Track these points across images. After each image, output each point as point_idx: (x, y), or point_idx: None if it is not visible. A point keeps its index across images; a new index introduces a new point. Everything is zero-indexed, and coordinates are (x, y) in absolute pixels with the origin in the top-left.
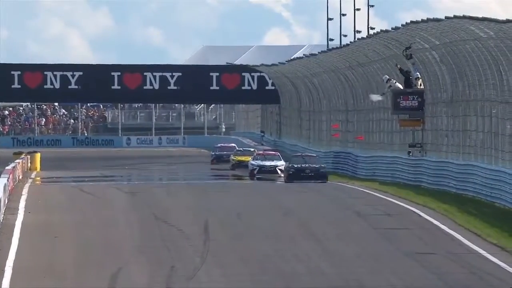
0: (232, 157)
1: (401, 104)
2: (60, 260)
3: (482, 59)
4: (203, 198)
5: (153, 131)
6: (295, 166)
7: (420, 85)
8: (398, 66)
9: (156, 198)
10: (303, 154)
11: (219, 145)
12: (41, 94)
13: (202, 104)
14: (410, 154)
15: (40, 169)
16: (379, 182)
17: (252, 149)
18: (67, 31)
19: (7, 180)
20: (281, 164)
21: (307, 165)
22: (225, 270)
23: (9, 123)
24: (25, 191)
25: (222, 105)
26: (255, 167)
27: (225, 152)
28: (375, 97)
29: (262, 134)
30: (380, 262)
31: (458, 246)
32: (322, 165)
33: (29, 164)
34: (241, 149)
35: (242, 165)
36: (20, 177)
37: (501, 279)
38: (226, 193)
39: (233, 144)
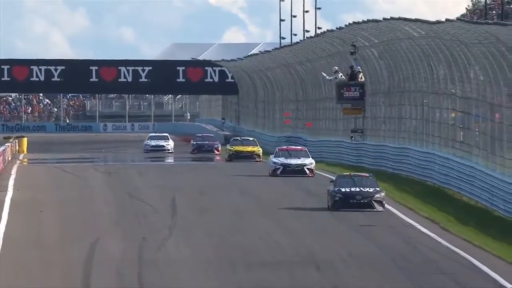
0: (228, 146)
1: (344, 95)
2: (46, 232)
3: (415, 55)
4: (170, 178)
5: (127, 118)
6: (342, 190)
7: (361, 78)
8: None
9: (129, 177)
10: (352, 174)
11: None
12: (27, 85)
13: (170, 95)
14: (353, 138)
15: (27, 151)
16: (326, 163)
17: (251, 139)
18: (49, 30)
19: None
20: (309, 162)
21: (357, 189)
22: (190, 242)
23: (0, 111)
24: (14, 171)
25: (187, 95)
26: (278, 167)
27: (206, 142)
28: (326, 76)
29: (223, 121)
30: (328, 235)
31: (395, 220)
32: (377, 189)
33: (17, 147)
34: (238, 138)
35: (240, 156)
36: (9, 158)
37: (432, 248)
38: (190, 173)
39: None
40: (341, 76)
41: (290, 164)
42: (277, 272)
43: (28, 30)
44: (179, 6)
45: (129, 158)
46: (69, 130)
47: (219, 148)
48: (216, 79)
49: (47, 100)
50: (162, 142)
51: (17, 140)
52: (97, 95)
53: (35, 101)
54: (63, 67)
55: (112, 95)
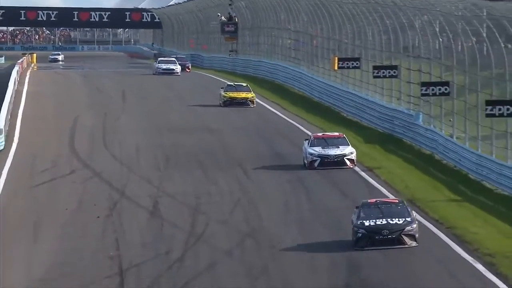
0: (222, 92)
1: (225, 29)
2: (46, 111)
3: (267, 6)
4: (122, 78)
5: (95, 42)
6: (366, 224)
7: (236, 19)
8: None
9: (98, 78)
10: (378, 201)
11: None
12: (36, 22)
13: (121, 28)
14: (230, 55)
15: (36, 62)
16: (214, 70)
17: (244, 84)
18: None
19: (19, 68)
20: (349, 151)
21: (384, 222)
22: (134, 116)
23: (19, 38)
24: (28, 73)
25: (132, 29)
26: (315, 158)
27: (180, 62)
28: (219, 14)
29: (152, 44)
30: (219, 115)
31: (257, 104)
32: (408, 219)
33: (30, 59)
34: (232, 84)
35: (235, 102)
36: (25, 66)
37: (276, 120)
38: (135, 77)
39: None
40: (223, 18)
41: (329, 155)
42: (186, 134)
43: None
44: None
45: (98, 67)
46: (61, 50)
47: (190, 66)
48: (149, 19)
49: (48, 31)
50: (172, 66)
51: (30, 55)
52: (77, 29)
53: (40, 32)
54: (57, 12)
55: (87, 29)
